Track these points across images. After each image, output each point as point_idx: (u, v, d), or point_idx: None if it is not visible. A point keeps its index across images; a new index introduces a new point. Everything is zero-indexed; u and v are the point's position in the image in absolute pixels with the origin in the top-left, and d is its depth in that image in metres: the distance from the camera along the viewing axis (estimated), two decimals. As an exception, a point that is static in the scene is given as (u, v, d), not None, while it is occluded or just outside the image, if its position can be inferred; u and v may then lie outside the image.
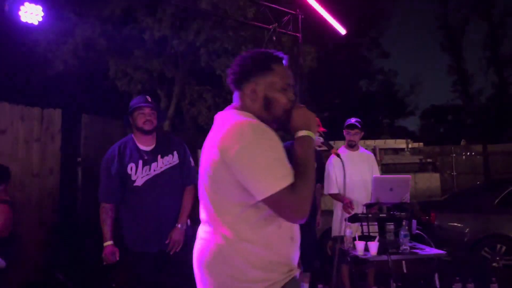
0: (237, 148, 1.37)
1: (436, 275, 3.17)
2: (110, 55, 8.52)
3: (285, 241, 1.49)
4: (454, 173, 11.33)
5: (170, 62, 9.18)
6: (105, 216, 2.80)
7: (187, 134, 9.70)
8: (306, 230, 3.90)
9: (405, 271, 4.02)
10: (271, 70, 1.54)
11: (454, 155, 11.64)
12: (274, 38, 5.63)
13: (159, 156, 2.84)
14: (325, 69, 14.16)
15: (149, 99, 2.90)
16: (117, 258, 2.75)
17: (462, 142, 12.87)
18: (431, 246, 3.29)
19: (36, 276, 4.60)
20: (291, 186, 1.35)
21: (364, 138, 7.86)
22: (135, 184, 2.77)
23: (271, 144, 1.39)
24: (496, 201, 5.67)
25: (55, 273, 3.04)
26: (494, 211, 5.61)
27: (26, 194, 4.78)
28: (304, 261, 4.10)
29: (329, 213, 4.40)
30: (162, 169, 2.82)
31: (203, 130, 10.08)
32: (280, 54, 1.60)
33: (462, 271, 4.15)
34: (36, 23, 4.74)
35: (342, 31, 6.10)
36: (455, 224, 5.57)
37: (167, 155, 2.85)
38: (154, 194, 2.77)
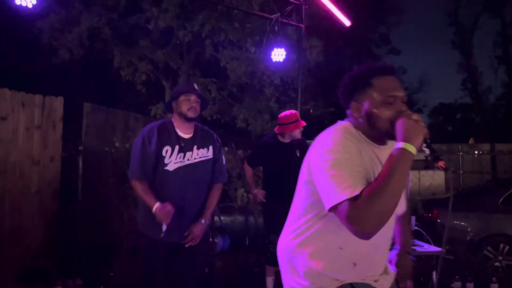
0: (317, 155, 1.45)
1: (434, 273, 3.11)
2: (115, 44, 8.49)
3: (344, 263, 1.53)
4: (461, 172, 11.23)
5: (175, 53, 9.14)
6: (143, 187, 2.67)
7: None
8: None
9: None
10: (370, 85, 1.50)
11: (461, 153, 11.52)
12: (277, 29, 5.54)
13: (195, 147, 2.77)
14: (333, 64, 14.05)
15: (196, 87, 2.81)
16: (171, 215, 2.58)
17: (470, 141, 12.74)
18: (430, 244, 3.23)
19: (33, 264, 4.60)
20: (359, 198, 1.32)
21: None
22: (166, 168, 2.69)
23: (347, 156, 1.40)
24: (501, 200, 5.58)
25: (46, 264, 2.95)
26: (499, 210, 5.52)
27: (26, 182, 4.78)
28: None
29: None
30: (196, 161, 2.76)
31: (207, 123, 10.05)
32: (384, 65, 1.54)
33: (463, 270, 4.08)
34: (30, 6, 4.67)
35: (347, 22, 5.99)
36: (459, 222, 5.49)
37: (203, 148, 2.80)
38: (183, 183, 2.71)
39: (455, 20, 19.72)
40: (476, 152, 11.84)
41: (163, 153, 2.69)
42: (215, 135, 2.92)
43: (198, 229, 2.73)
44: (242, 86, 9.71)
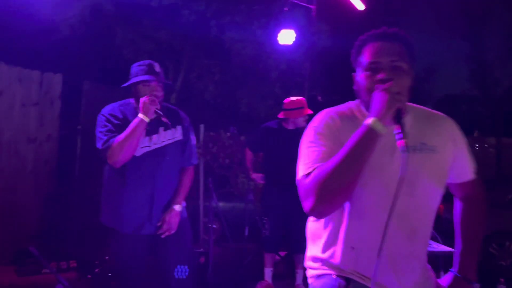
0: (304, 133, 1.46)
1: (442, 273, 2.98)
2: (117, 22, 8.28)
3: (340, 246, 1.39)
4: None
5: (179, 33, 8.93)
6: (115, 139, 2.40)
7: (193, 109, 9.52)
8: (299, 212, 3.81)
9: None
10: (361, 53, 1.41)
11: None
12: (286, 9, 5.33)
13: (161, 129, 2.52)
14: (341, 51, 13.79)
15: (156, 69, 2.50)
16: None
17: (475, 134, 12.57)
18: (438, 241, 3.09)
19: (28, 244, 4.52)
20: (308, 175, 1.31)
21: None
22: (134, 153, 2.45)
23: (319, 134, 1.39)
24: (510, 196, 5.44)
25: (29, 248, 2.78)
26: (505, 207, 5.39)
27: (21, 160, 4.66)
28: (293, 242, 4.03)
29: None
30: (164, 143, 2.52)
31: (209, 105, 9.89)
32: (376, 31, 1.41)
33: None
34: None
35: (361, 6, 5.76)
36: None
37: (169, 129, 2.55)
38: (152, 169, 2.48)
39: (467, 9, 19.31)
40: (480, 145, 11.70)
41: None
42: (181, 114, 2.68)
43: (172, 216, 2.51)
44: (247, 70, 9.52)
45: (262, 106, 8.98)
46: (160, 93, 2.50)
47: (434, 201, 1.41)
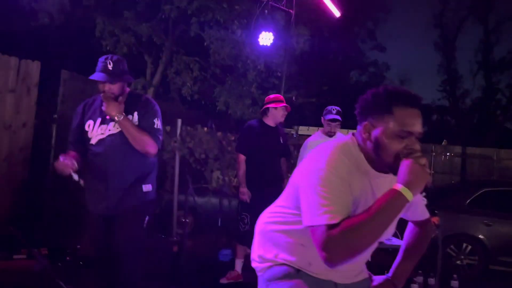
0: (309, 169, 1.43)
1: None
2: (97, 13, 8.23)
3: (302, 259, 1.56)
4: (432, 172, 11.50)
5: (160, 28, 8.95)
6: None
7: (170, 104, 9.55)
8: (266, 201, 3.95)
9: (369, 259, 4.05)
10: (390, 113, 1.40)
11: (434, 154, 11.79)
12: (266, 12, 5.49)
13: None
14: (318, 55, 14.05)
15: (109, 66, 2.61)
16: (72, 167, 2.52)
17: (444, 142, 13.03)
18: (398, 238, 3.30)
19: (1, 231, 4.50)
20: (336, 227, 1.30)
21: (349, 127, 7.86)
22: (90, 142, 2.69)
23: (337, 181, 1.37)
24: (468, 201, 5.76)
25: (12, 231, 2.89)
26: (464, 211, 5.70)
27: (-5, 146, 4.63)
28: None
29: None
30: (118, 130, 2.62)
31: (187, 101, 9.93)
32: (411, 95, 1.44)
33: (425, 266, 4.20)
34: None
35: (337, 13, 5.99)
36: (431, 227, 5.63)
37: (128, 116, 2.64)
38: (105, 155, 2.64)
39: (440, 22, 19.98)
40: (448, 153, 12.14)
41: (86, 127, 2.70)
42: (144, 100, 2.75)
43: (113, 110, 2.60)
44: (225, 69, 9.62)
45: (239, 105, 9.10)
46: (114, 90, 2.63)
47: None
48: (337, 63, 17.55)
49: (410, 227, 1.80)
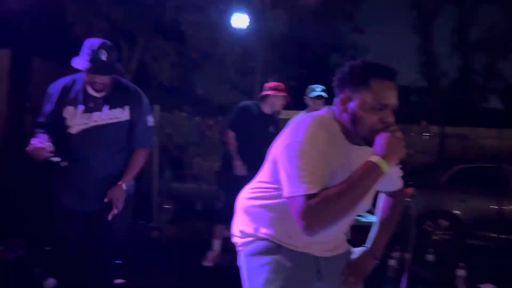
0: (287, 142, 1.45)
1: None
2: (69, -3, 8.00)
3: (283, 233, 1.59)
4: (412, 152, 11.70)
5: (135, 13, 8.75)
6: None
7: (148, 90, 9.40)
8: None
9: (349, 237, 4.13)
10: (367, 86, 1.43)
11: (413, 134, 11.98)
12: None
13: (106, 107, 2.42)
14: (297, 38, 13.98)
15: (104, 57, 2.34)
16: (48, 150, 2.30)
17: (422, 123, 13.24)
18: (373, 214, 3.36)
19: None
20: (315, 197, 1.34)
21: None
22: (69, 130, 2.42)
23: (315, 152, 1.40)
24: (444, 178, 5.89)
25: None
26: (440, 188, 5.83)
27: (-34, 136, 4.51)
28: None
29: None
30: (105, 122, 2.41)
31: (165, 88, 9.81)
32: (387, 68, 1.47)
33: (402, 241, 4.30)
34: None
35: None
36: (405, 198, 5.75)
37: (116, 108, 2.44)
38: (88, 149, 2.42)
39: (417, 2, 20.07)
40: (426, 134, 12.36)
41: (64, 114, 2.42)
42: (136, 93, 2.55)
43: (116, 192, 2.43)
44: (203, 53, 9.51)
45: (218, 90, 9.03)
46: (107, 82, 2.41)
47: None
48: (316, 46, 17.51)
49: (383, 199, 1.86)
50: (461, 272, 3.84)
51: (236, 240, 1.73)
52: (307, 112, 4.40)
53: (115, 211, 2.43)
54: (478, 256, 5.32)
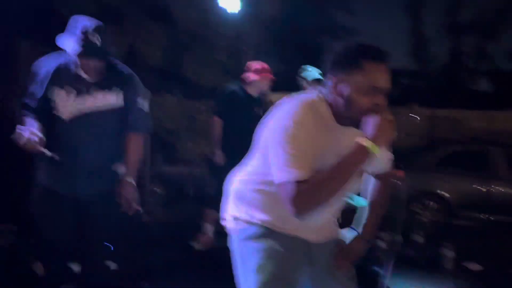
0: (275, 126, 1.44)
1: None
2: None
3: (276, 217, 1.59)
4: (404, 135, 11.76)
5: (123, -5, 8.61)
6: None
7: (140, 75, 9.29)
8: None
9: (340, 221, 4.18)
10: (360, 68, 1.41)
11: (404, 117, 12.04)
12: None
13: (99, 91, 2.29)
14: (289, 22, 13.87)
15: (97, 41, 2.19)
16: (40, 143, 2.15)
17: (414, 106, 13.31)
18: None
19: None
20: (305, 183, 1.35)
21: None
22: (59, 115, 2.28)
23: (303, 136, 1.40)
24: (433, 161, 5.96)
25: None
26: (431, 170, 5.91)
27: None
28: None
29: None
30: (98, 109, 2.29)
31: (155, 71, 9.71)
32: (380, 50, 1.44)
33: (392, 223, 4.37)
34: None
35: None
36: (394, 180, 5.83)
37: (109, 93, 2.31)
38: (79, 134, 2.29)
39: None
40: (417, 116, 12.43)
41: (54, 97, 2.26)
42: (128, 76, 2.41)
43: (127, 191, 2.35)
44: (194, 37, 9.41)
45: (209, 73, 8.97)
46: (100, 66, 2.29)
47: None
48: (307, 28, 17.40)
49: (372, 181, 1.87)
50: (448, 252, 3.92)
51: (228, 224, 1.73)
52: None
53: (132, 210, 2.37)
54: (465, 236, 5.43)
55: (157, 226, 4.13)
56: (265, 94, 4.27)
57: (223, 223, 1.77)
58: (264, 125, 1.57)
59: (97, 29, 2.21)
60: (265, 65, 4.14)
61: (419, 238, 4.35)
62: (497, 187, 5.64)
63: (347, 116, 1.48)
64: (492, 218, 5.62)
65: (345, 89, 1.44)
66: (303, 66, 4.10)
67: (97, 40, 2.20)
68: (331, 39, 22.13)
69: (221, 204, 1.82)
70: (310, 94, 1.56)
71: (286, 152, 1.38)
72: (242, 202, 1.68)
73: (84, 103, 2.28)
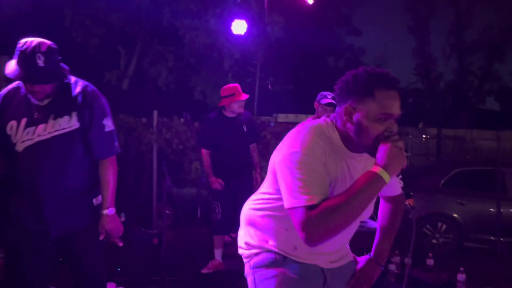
0: (284, 153, 1.44)
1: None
2: (66, 3, 8.02)
3: (288, 244, 1.58)
4: (409, 154, 11.72)
5: (132, 18, 8.77)
6: None
7: (146, 95, 9.42)
8: (242, 190, 4.07)
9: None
10: (372, 95, 1.41)
11: (411, 136, 12.01)
12: (239, 0, 5.44)
13: (52, 117, 2.08)
14: (294, 41, 14.03)
15: (40, 63, 1.97)
16: None
17: (420, 125, 13.29)
18: (374, 220, 3.37)
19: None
20: (315, 208, 1.34)
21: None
22: (16, 148, 2.08)
23: (313, 162, 1.40)
24: (442, 181, 5.90)
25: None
26: (439, 191, 5.84)
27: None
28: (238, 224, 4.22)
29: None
30: (50, 135, 2.07)
31: (162, 92, 9.82)
32: (391, 77, 1.45)
33: (402, 245, 4.31)
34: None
35: (310, 0, 5.99)
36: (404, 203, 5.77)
37: (61, 117, 2.09)
38: (34, 165, 2.07)
39: (413, 5, 20.18)
40: (424, 136, 12.39)
41: (8, 130, 2.08)
42: (82, 95, 2.15)
43: (108, 223, 2.19)
44: (201, 58, 9.54)
45: (216, 94, 9.06)
46: (48, 90, 2.06)
47: None
48: (313, 49, 17.57)
49: (382, 206, 1.86)
50: (461, 277, 3.85)
51: (242, 251, 1.72)
52: (316, 117, 4.37)
53: (119, 244, 2.26)
54: (477, 259, 5.34)
55: (166, 248, 4.10)
56: (242, 113, 4.29)
57: (239, 250, 1.76)
58: (275, 152, 1.57)
59: (37, 50, 1.99)
60: (233, 88, 4.21)
61: (430, 261, 4.29)
62: (507, 208, 5.56)
63: (357, 142, 1.47)
64: (504, 240, 5.52)
65: (356, 116, 1.44)
66: (321, 93, 4.16)
67: (40, 61, 1.98)
68: (338, 59, 22.36)
69: (227, 228, 1.82)
70: (320, 120, 1.57)
71: (295, 178, 1.38)
72: (254, 229, 1.67)
73: (36, 132, 2.08)
